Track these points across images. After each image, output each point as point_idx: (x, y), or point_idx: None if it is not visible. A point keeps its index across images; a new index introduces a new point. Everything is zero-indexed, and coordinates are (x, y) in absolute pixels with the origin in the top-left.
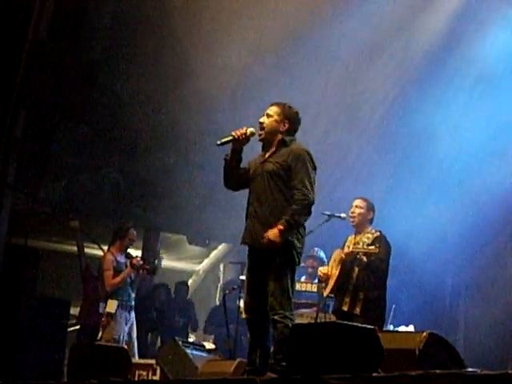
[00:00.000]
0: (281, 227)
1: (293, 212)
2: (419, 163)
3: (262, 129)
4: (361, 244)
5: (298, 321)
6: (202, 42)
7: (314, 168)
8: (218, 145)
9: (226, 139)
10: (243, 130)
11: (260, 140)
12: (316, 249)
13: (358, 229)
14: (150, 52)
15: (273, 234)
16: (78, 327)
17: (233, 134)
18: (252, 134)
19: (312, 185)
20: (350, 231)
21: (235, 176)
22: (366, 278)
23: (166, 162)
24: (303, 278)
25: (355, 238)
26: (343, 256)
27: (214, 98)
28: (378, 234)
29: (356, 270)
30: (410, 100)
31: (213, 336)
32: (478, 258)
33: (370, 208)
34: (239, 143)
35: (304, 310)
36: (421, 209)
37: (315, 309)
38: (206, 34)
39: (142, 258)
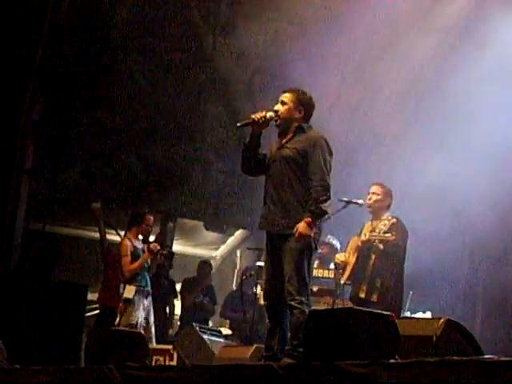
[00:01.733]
0: (308, 219)
1: (315, 201)
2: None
3: (278, 116)
4: (377, 231)
5: (314, 307)
6: (220, 28)
7: (331, 154)
8: (238, 127)
9: (245, 122)
10: (263, 114)
11: (276, 126)
12: (329, 236)
13: (375, 215)
14: (168, 38)
15: (303, 227)
16: (95, 312)
17: (252, 116)
18: (271, 117)
19: (328, 170)
20: (367, 217)
21: (253, 161)
22: (383, 265)
23: (183, 148)
24: (315, 264)
25: (372, 224)
26: (359, 244)
27: (231, 85)
28: (395, 220)
29: (373, 257)
30: (429, 80)
31: (228, 321)
32: (495, 243)
33: (388, 194)
34: (258, 127)
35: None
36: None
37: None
38: (223, 20)
39: (159, 243)
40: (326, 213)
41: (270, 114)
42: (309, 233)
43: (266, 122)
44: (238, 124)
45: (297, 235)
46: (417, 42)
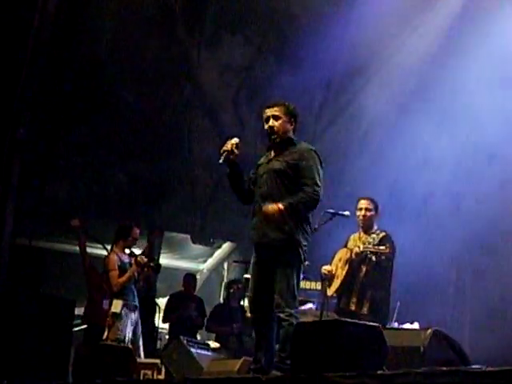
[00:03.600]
0: (281, 206)
1: (299, 199)
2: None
3: (274, 132)
4: (370, 244)
5: (301, 319)
6: (205, 41)
7: (322, 166)
8: (221, 164)
9: (223, 156)
10: (231, 141)
11: (275, 142)
12: None
13: (366, 229)
14: (153, 52)
15: (271, 208)
16: (83, 327)
17: (224, 148)
18: (236, 143)
19: (320, 180)
20: (349, 229)
21: (245, 189)
22: (374, 278)
23: (169, 162)
24: None
25: (360, 237)
26: (353, 256)
27: (217, 98)
28: (385, 234)
29: (363, 269)
30: (408, 94)
31: (214, 334)
32: (482, 254)
33: (377, 208)
34: (233, 155)
35: (305, 307)
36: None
37: (307, 306)
38: (208, 33)
39: (147, 255)
40: (299, 211)
41: (234, 140)
42: (274, 214)
43: (236, 148)
44: (221, 161)
45: (263, 213)
46: (411, 39)
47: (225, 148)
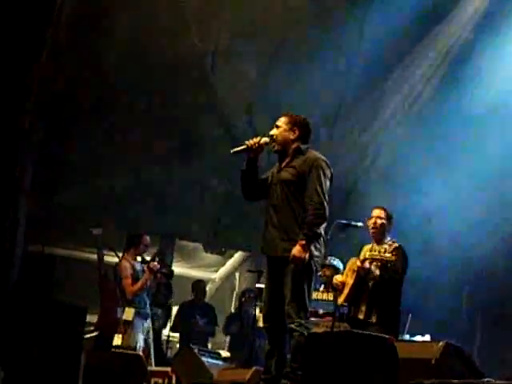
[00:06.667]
0: (302, 242)
1: (309, 224)
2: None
3: (274, 140)
4: (377, 252)
5: (313, 330)
6: (219, 50)
7: (330, 176)
8: (232, 153)
9: (239, 148)
10: (257, 140)
11: (274, 152)
12: (329, 257)
13: (378, 239)
14: (166, 59)
15: (297, 251)
16: (94, 334)
17: (246, 143)
18: (266, 143)
19: (325, 193)
20: (365, 240)
21: (253, 186)
22: (381, 287)
23: (182, 170)
24: (322, 288)
25: (373, 248)
26: (359, 264)
27: (230, 107)
28: (397, 245)
29: (371, 278)
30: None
31: (227, 344)
32: (495, 266)
33: (390, 218)
34: (253, 152)
35: (319, 319)
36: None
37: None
38: (222, 42)
39: (159, 262)
40: (319, 235)
41: (264, 140)
42: (303, 255)
43: (260, 147)
44: (232, 150)
45: (291, 258)
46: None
47: (247, 142)
